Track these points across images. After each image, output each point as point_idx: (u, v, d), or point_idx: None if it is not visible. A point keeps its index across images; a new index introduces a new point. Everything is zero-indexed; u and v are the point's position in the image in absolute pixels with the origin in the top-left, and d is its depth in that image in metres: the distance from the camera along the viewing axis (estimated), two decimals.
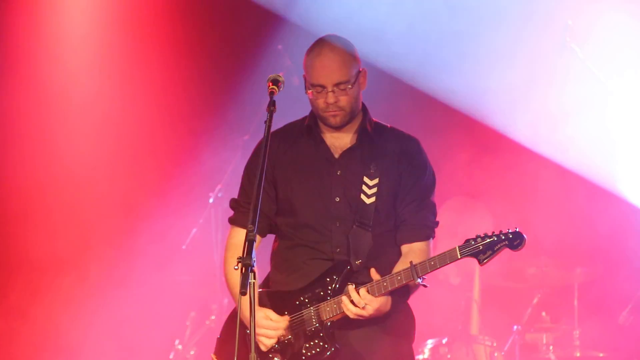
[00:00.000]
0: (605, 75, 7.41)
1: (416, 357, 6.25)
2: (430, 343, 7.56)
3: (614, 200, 7.79)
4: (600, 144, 7.85)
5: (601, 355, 7.61)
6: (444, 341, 7.54)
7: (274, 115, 4.28)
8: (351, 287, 4.46)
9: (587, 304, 7.77)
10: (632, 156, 7.72)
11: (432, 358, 7.51)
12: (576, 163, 7.96)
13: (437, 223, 4.71)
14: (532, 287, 7.81)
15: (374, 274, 4.48)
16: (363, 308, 4.44)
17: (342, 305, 4.46)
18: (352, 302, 4.45)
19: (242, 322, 4.31)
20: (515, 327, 7.67)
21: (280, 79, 4.37)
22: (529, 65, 8.01)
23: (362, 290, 4.43)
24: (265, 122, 4.26)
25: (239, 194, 4.81)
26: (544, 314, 7.81)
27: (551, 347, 7.62)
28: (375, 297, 4.43)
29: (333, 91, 4.57)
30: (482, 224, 8.06)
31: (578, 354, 7.60)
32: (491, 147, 8.17)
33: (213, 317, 8.30)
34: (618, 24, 7.51)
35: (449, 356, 7.50)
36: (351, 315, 4.47)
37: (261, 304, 4.58)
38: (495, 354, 7.55)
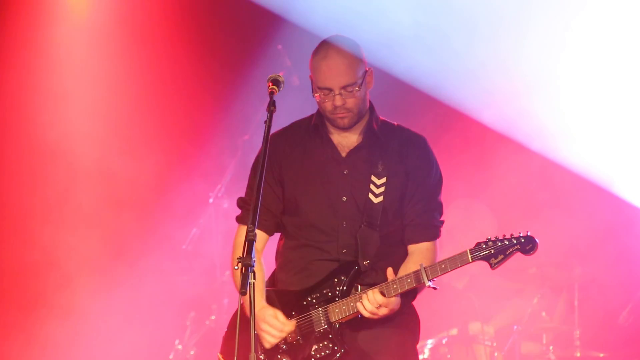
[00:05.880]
0: (605, 74, 7.41)
1: None
2: (430, 343, 7.57)
3: (614, 200, 7.79)
4: (602, 144, 7.85)
5: (601, 355, 7.60)
6: (444, 341, 7.55)
7: (274, 115, 4.27)
8: (371, 291, 4.44)
9: (587, 304, 7.76)
10: (634, 158, 7.72)
11: (432, 358, 7.51)
12: (578, 162, 7.95)
13: (442, 222, 4.69)
14: (532, 287, 7.81)
15: (390, 273, 4.46)
16: (378, 308, 4.44)
17: (358, 305, 4.44)
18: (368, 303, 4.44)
19: (247, 321, 4.29)
20: (515, 327, 7.67)
21: (280, 79, 4.35)
22: (530, 66, 8.01)
23: (378, 295, 4.43)
24: (265, 122, 4.25)
25: (246, 193, 4.80)
26: (544, 314, 7.81)
27: (551, 347, 7.61)
28: (388, 299, 4.44)
29: (340, 94, 4.54)
30: (484, 226, 8.06)
31: (578, 354, 7.59)
32: (491, 147, 8.16)
33: (213, 317, 8.30)
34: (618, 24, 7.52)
35: (449, 356, 7.50)
36: (366, 315, 4.46)
37: (269, 303, 4.56)
38: (495, 354, 7.55)
